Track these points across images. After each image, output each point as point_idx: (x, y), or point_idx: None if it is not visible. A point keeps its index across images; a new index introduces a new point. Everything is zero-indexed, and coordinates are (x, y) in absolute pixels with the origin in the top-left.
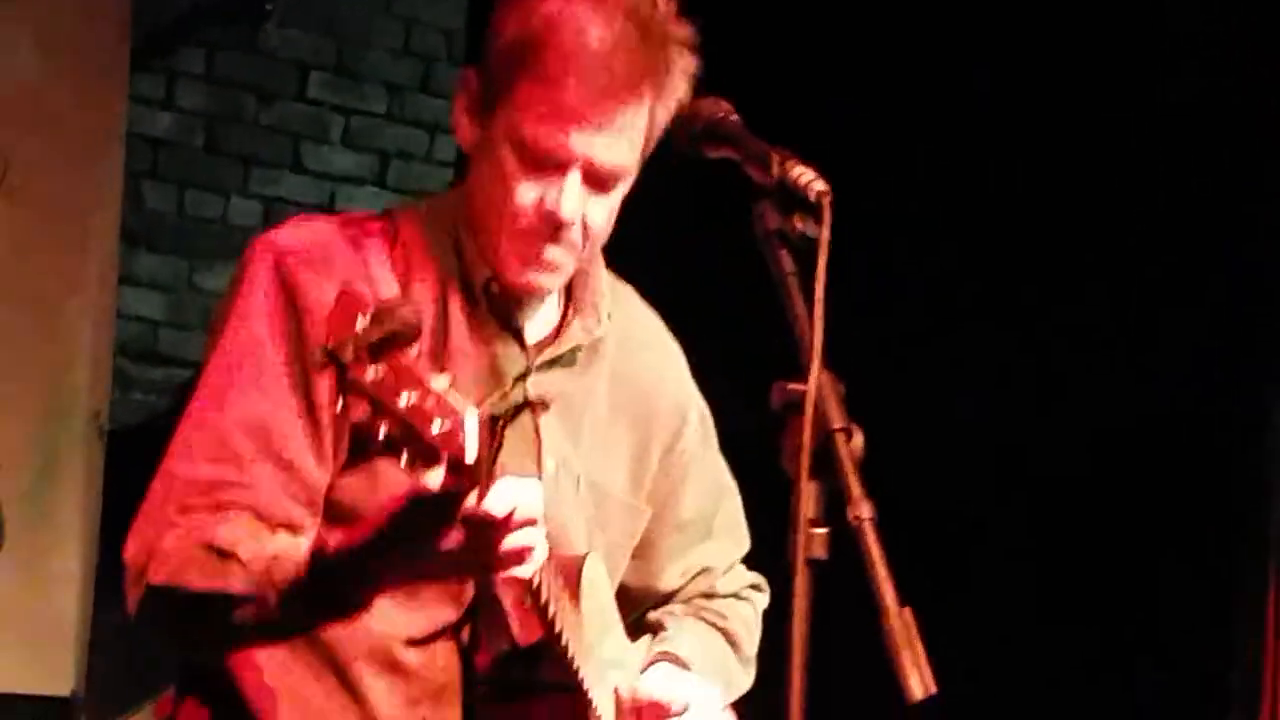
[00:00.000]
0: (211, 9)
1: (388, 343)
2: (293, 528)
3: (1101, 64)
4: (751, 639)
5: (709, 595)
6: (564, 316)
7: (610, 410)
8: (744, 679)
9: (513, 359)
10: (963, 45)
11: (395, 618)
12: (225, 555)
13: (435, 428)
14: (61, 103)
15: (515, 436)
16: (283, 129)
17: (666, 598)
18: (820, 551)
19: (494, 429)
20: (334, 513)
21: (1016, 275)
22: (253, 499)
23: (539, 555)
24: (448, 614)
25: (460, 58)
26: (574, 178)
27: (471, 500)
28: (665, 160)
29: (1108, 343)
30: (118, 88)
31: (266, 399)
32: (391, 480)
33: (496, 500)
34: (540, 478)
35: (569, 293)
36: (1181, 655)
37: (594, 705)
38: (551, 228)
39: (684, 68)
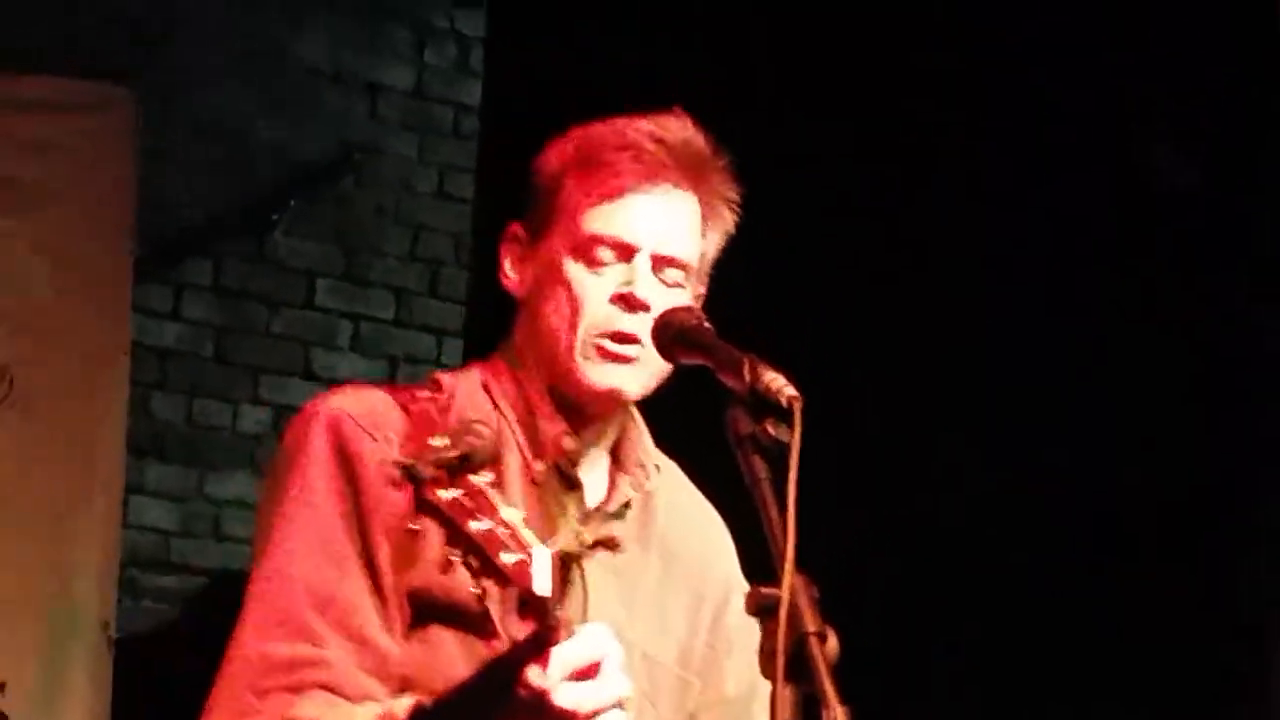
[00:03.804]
0: (218, 219)
1: (464, 463)
2: (368, 702)
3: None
4: None
5: None
6: (611, 479)
7: (661, 581)
8: None
9: (572, 516)
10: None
11: None
12: None
13: (505, 557)
14: (66, 316)
15: (568, 597)
16: (291, 336)
17: None
18: None
19: (565, 568)
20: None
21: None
22: (328, 676)
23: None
24: None
25: (467, 262)
26: (643, 260)
27: (562, 647)
28: None
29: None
30: (122, 300)
31: (334, 570)
32: (449, 647)
33: (588, 644)
34: None
35: (615, 456)
36: None
37: None
38: (627, 309)
39: (729, 199)
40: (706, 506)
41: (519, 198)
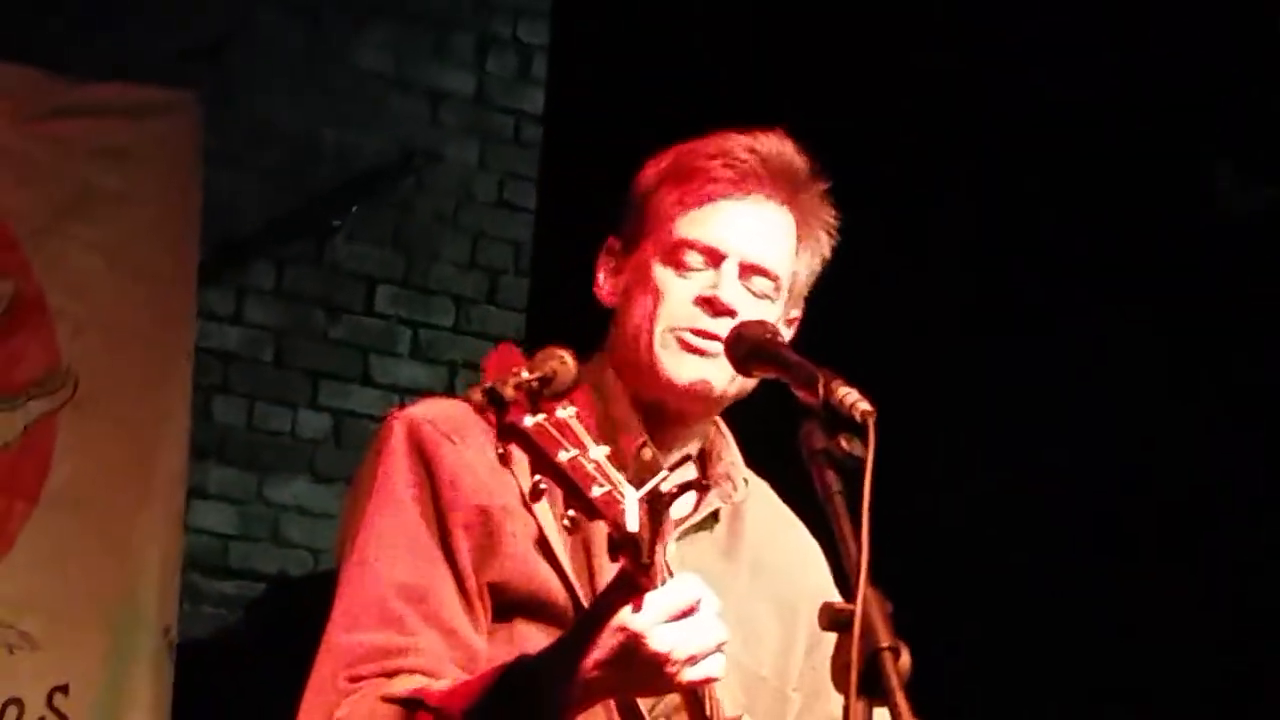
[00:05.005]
0: (280, 225)
1: (545, 386)
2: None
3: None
4: None
5: None
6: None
7: (748, 593)
8: None
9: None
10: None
11: None
12: (410, 702)
13: (595, 490)
14: (131, 318)
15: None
16: (351, 342)
17: None
18: None
19: (654, 513)
20: None
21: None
22: (420, 663)
23: (720, 664)
24: None
25: (527, 270)
26: (730, 266)
27: (657, 591)
28: None
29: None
30: (186, 303)
31: (420, 566)
32: (534, 641)
33: (685, 587)
34: None
35: (701, 468)
36: None
37: None
38: (711, 313)
39: (825, 223)
40: (796, 523)
41: (580, 206)
